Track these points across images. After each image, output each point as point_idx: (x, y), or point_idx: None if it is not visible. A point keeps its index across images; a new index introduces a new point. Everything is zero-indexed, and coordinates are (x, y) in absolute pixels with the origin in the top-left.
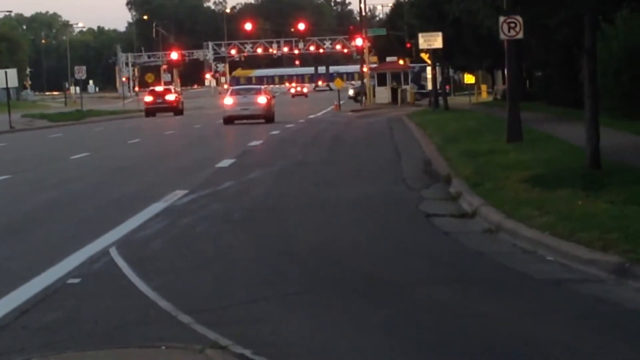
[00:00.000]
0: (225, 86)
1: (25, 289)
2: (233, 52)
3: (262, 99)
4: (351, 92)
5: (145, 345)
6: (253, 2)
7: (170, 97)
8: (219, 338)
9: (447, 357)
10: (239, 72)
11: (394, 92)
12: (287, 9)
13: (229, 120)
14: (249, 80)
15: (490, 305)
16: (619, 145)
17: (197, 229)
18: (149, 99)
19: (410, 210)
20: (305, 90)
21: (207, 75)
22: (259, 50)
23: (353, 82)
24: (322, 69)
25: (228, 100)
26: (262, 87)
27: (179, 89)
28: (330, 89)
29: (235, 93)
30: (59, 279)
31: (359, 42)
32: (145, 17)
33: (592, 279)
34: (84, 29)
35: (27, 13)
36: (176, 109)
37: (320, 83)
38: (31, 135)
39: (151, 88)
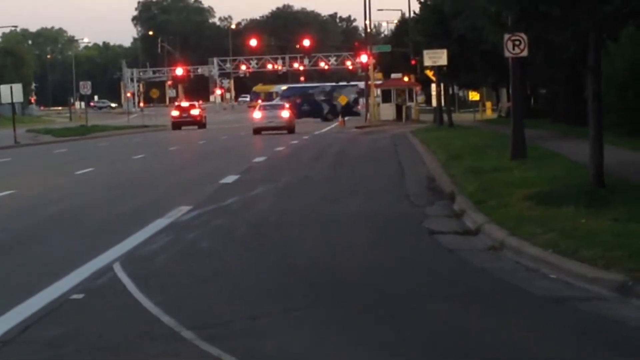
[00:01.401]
0: (231, 103)
1: (30, 304)
2: (242, 67)
3: (285, 114)
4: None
5: None
6: (258, 18)
7: (195, 112)
8: (222, 354)
9: None
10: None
11: (398, 108)
12: (292, 25)
13: (257, 131)
14: (269, 96)
15: (493, 321)
16: (623, 162)
17: (201, 245)
18: (175, 113)
19: (414, 227)
20: None
21: (218, 91)
22: (264, 66)
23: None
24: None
25: (257, 114)
26: (285, 103)
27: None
28: None
29: (262, 108)
30: (63, 294)
31: (364, 58)
32: (150, 33)
33: (595, 297)
34: (90, 44)
35: (33, 28)
36: (200, 123)
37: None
38: (36, 150)
39: (177, 104)
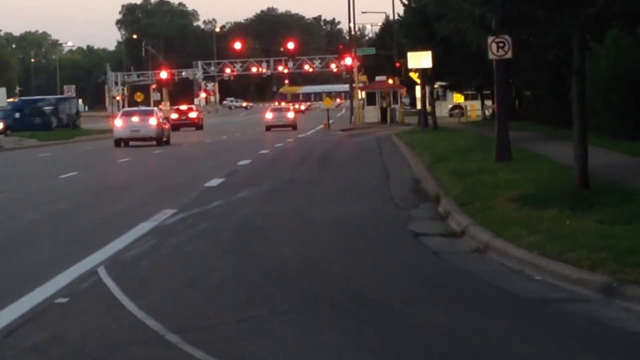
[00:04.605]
0: (216, 106)
1: (13, 309)
2: (227, 70)
3: (290, 114)
4: None
5: None
6: (242, 21)
7: (193, 115)
8: (207, 358)
9: None
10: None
11: (383, 111)
12: (277, 28)
13: (268, 128)
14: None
15: (478, 324)
16: (607, 164)
17: (185, 249)
18: (174, 116)
19: (399, 230)
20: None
21: (203, 94)
22: (249, 70)
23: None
24: None
25: (268, 115)
26: (290, 105)
27: (168, 108)
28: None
29: (272, 110)
30: (47, 298)
31: (348, 61)
32: (134, 36)
33: (580, 299)
34: (74, 48)
35: (17, 32)
36: (197, 125)
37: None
38: (20, 154)
39: (176, 107)
